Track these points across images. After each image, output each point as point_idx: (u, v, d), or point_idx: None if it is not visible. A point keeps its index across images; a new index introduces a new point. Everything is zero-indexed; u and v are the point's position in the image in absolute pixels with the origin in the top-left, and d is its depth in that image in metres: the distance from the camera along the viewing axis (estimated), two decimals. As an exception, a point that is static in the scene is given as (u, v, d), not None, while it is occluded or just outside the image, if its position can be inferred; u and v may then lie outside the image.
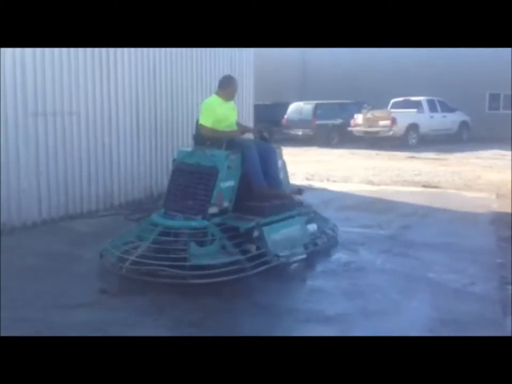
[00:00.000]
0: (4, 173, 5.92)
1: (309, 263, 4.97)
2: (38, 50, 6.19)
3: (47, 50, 6.29)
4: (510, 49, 16.48)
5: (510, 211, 7.07)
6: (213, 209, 4.68)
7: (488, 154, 14.76)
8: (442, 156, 14.44)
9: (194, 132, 5.58)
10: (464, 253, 5.26)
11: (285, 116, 19.82)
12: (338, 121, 18.98)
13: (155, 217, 4.85)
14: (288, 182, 5.63)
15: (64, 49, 6.51)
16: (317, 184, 9.93)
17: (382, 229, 6.25)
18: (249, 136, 6.06)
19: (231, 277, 4.30)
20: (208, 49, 9.13)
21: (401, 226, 6.41)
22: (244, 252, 4.59)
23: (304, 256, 4.96)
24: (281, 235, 4.83)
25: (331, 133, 18.98)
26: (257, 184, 4.98)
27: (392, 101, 18.97)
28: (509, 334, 3.42)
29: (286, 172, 5.54)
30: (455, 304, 4.03)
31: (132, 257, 4.46)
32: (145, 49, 7.81)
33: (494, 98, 21.16)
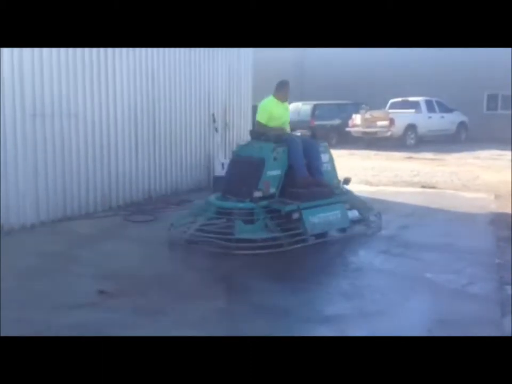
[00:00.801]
0: (2, 174, 5.93)
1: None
2: (36, 51, 6.19)
3: (45, 51, 6.29)
4: (508, 49, 16.51)
5: (508, 211, 7.08)
6: (257, 194, 5.41)
7: (486, 154, 14.78)
8: (440, 156, 14.46)
9: (251, 128, 6.68)
10: (462, 253, 5.27)
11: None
12: (337, 121, 18.99)
13: (211, 199, 5.75)
14: (335, 173, 6.21)
15: (63, 50, 6.51)
16: (315, 184, 9.90)
17: (381, 229, 6.25)
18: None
19: (269, 251, 5.09)
20: (205, 52, 9.14)
21: (400, 226, 6.42)
22: (285, 231, 5.28)
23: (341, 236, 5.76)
24: (319, 218, 5.50)
25: (329, 134, 18.94)
26: (299, 174, 5.68)
27: (390, 101, 18.99)
28: (507, 334, 3.43)
29: (333, 165, 6.20)
30: (454, 304, 4.03)
31: (191, 231, 5.46)
32: (143, 52, 7.81)
33: (492, 98, 21.19)
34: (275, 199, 5.53)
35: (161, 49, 8.12)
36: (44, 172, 6.41)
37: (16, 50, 5.96)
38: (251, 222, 5.38)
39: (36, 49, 6.17)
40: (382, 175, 10.88)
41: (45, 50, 6.29)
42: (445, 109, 18.97)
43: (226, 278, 4.70)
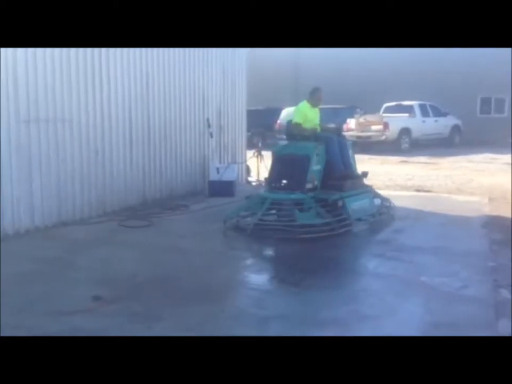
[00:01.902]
0: (-4, 180, 5.91)
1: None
2: (30, 56, 6.18)
3: (39, 56, 6.29)
4: (501, 52, 16.62)
5: (502, 214, 7.12)
6: (308, 185, 6.29)
7: (480, 158, 14.85)
8: (434, 160, 14.51)
9: (286, 130, 7.43)
10: (456, 256, 5.29)
11: (278, 121, 19.85)
12: (331, 125, 18.99)
13: (263, 193, 6.54)
14: (356, 167, 7.03)
15: (57, 56, 6.51)
16: (310, 189, 9.93)
17: (375, 233, 6.28)
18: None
19: (326, 234, 5.82)
20: (200, 55, 9.16)
21: (394, 230, 6.44)
22: (333, 217, 6.02)
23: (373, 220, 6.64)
24: (357, 205, 6.41)
25: (324, 138, 19.01)
26: (337, 168, 6.57)
27: (384, 105, 19.07)
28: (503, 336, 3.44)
29: (354, 160, 7.04)
30: (448, 307, 4.04)
31: (254, 220, 6.10)
32: (138, 57, 7.82)
33: (485, 102, 21.33)
34: (318, 191, 6.35)
35: (155, 53, 8.14)
36: (39, 177, 6.39)
37: (10, 55, 5.96)
38: (303, 210, 6.10)
39: (30, 54, 6.17)
40: (377, 179, 10.88)
41: (39, 55, 6.28)
42: (438, 112, 19.06)
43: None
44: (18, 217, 6.16)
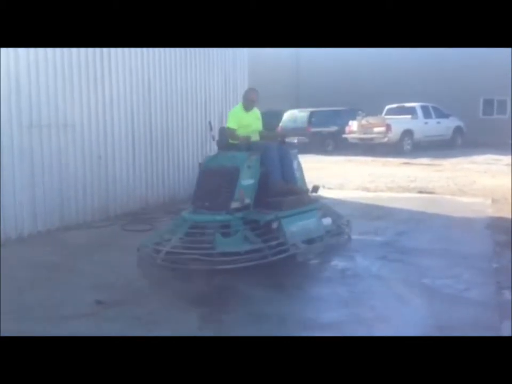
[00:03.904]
0: (-1, 185, 5.93)
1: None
2: (32, 62, 6.21)
3: (41, 62, 6.31)
4: (503, 54, 16.61)
5: (505, 216, 7.10)
6: (235, 204, 5.22)
7: (483, 159, 14.81)
8: (436, 161, 14.49)
9: (217, 138, 6.24)
10: (460, 258, 5.28)
11: (280, 124, 19.87)
12: (333, 128, 19.04)
13: (185, 214, 5.43)
14: (304, 181, 6.07)
15: (59, 61, 6.53)
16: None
17: (378, 235, 6.27)
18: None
19: (254, 263, 4.85)
20: (201, 59, 9.17)
21: (397, 232, 6.43)
22: (265, 242, 5.05)
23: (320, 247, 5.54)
24: (298, 227, 5.34)
25: (326, 140, 19.04)
26: (275, 182, 5.52)
27: (387, 107, 19.05)
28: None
29: (301, 172, 6.08)
30: (451, 310, 4.03)
31: (166, 248, 5.07)
32: (139, 61, 7.83)
33: (488, 103, 21.28)
34: (251, 210, 5.30)
35: (157, 57, 8.16)
36: (41, 182, 6.41)
37: (12, 61, 5.98)
38: (229, 234, 5.11)
39: (32, 60, 6.19)
40: (379, 181, 10.90)
41: (41, 60, 6.31)
42: (441, 114, 19.03)
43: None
44: (21, 221, 6.17)
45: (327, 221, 5.86)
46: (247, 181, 5.36)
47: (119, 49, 7.40)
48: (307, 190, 5.97)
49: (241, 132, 5.81)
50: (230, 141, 5.83)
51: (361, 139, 18.10)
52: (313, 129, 19.00)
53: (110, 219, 7.24)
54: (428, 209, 7.75)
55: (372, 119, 17.96)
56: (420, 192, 9.44)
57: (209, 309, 4.12)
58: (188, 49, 8.71)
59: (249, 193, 5.36)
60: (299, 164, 6.06)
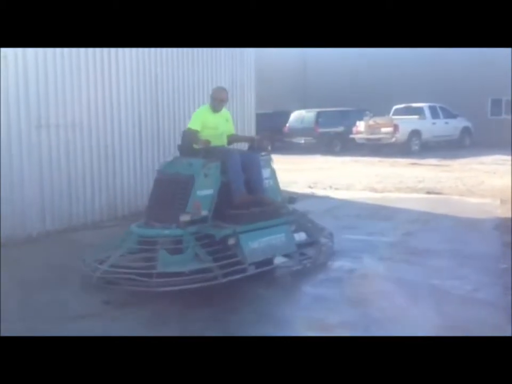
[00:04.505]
0: (7, 185, 5.96)
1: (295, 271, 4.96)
2: (41, 61, 6.25)
3: (50, 61, 6.35)
4: (511, 54, 16.52)
5: (513, 216, 7.06)
6: (185, 217, 4.61)
7: (491, 159, 14.74)
8: (444, 162, 14.43)
9: (180, 141, 5.69)
10: (468, 259, 5.25)
11: (287, 124, 19.87)
12: (341, 128, 19.02)
13: (133, 227, 4.86)
14: (278, 191, 5.47)
15: (67, 61, 6.57)
16: (319, 192, 9.93)
17: (385, 236, 6.25)
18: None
19: (200, 285, 4.30)
20: (208, 59, 9.19)
21: (405, 233, 6.41)
22: (218, 260, 4.47)
23: (288, 264, 5.02)
24: (261, 243, 4.73)
25: (333, 141, 19.02)
26: (236, 192, 4.93)
27: (394, 107, 19.00)
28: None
29: (276, 181, 5.45)
30: (460, 310, 4.02)
31: (103, 266, 4.54)
32: (146, 60, 7.86)
33: (496, 103, 21.17)
34: (208, 223, 4.72)
35: (164, 57, 8.18)
36: (49, 182, 6.44)
37: (21, 62, 6.01)
38: (179, 251, 4.55)
39: (41, 60, 6.23)
40: (387, 182, 10.87)
41: (49, 61, 6.35)
42: (448, 114, 18.96)
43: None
44: (29, 221, 6.21)
45: (301, 236, 5.23)
46: (203, 191, 4.77)
47: (127, 49, 7.43)
48: (279, 202, 5.31)
49: (206, 135, 5.17)
50: (194, 145, 5.18)
51: (368, 139, 18.06)
52: (321, 130, 18.99)
53: (117, 219, 7.27)
54: (435, 210, 7.72)
55: (379, 120, 17.92)
56: (428, 192, 9.41)
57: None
58: (195, 48, 8.73)
59: (206, 204, 4.77)
60: (273, 172, 5.43)
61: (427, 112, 18.46)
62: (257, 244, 4.71)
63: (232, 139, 5.63)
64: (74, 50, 6.63)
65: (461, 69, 20.24)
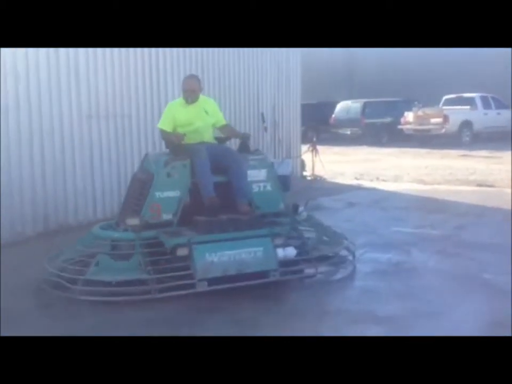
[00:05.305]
0: (61, 174, 6.15)
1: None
2: (91, 54, 6.39)
3: (100, 53, 6.49)
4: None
5: None
6: (132, 221, 4.26)
7: (546, 151, 14.17)
8: (496, 153, 13.97)
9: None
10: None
11: (333, 115, 19.68)
12: (388, 119, 18.71)
13: (94, 228, 4.59)
14: (279, 196, 4.77)
15: (116, 53, 6.69)
16: (366, 183, 9.81)
17: (435, 229, 6.11)
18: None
19: (128, 298, 3.92)
20: (254, 51, 9.18)
21: (455, 226, 6.25)
22: (167, 271, 4.07)
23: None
24: (224, 257, 4.11)
25: (380, 132, 18.71)
26: (204, 195, 4.40)
27: (444, 97, 18.52)
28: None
29: (275, 185, 4.74)
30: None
31: (49, 268, 4.31)
32: (193, 53, 7.91)
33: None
34: (169, 229, 4.31)
35: (211, 49, 8.21)
36: (100, 172, 6.62)
37: (72, 56, 6.17)
38: (127, 257, 4.18)
39: (91, 54, 6.38)
40: (436, 174, 10.62)
41: (99, 54, 6.49)
42: (501, 105, 18.34)
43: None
44: (82, 209, 6.40)
45: (289, 251, 4.43)
46: (165, 192, 4.36)
47: (174, 49, 7.49)
48: (257, 211, 4.59)
49: (181, 131, 4.67)
50: (169, 145, 4.75)
51: (417, 130, 17.69)
52: (367, 121, 18.73)
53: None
54: (487, 203, 7.49)
55: (428, 110, 17.55)
56: (479, 185, 9.14)
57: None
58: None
59: (169, 207, 4.36)
60: (271, 175, 4.73)
61: (478, 103, 17.92)
62: (218, 257, 4.10)
63: (225, 130, 5.03)
64: (123, 49, 6.74)
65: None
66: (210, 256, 4.09)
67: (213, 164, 4.48)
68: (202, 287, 4.03)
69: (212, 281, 4.07)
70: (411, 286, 4.38)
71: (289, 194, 5.13)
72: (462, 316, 3.79)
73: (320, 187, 9.33)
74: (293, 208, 4.82)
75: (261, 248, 4.23)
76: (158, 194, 4.38)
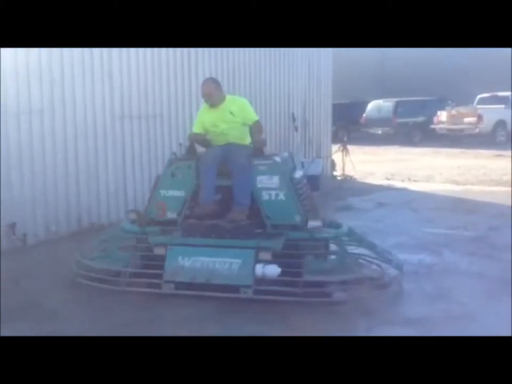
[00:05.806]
0: (94, 175, 6.27)
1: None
2: (124, 55, 6.49)
3: (133, 55, 6.60)
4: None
5: None
6: (130, 215, 4.62)
7: None
8: (533, 153, 13.64)
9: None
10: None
11: (364, 115, 19.52)
12: (420, 118, 18.46)
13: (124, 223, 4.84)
14: (296, 206, 4.35)
15: (149, 55, 6.79)
16: (397, 183, 9.72)
17: (468, 231, 6.02)
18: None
19: (107, 286, 4.12)
20: (285, 51, 9.19)
21: (488, 227, 6.14)
22: (145, 268, 4.26)
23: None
24: (196, 262, 4.08)
25: (412, 131, 18.47)
26: (200, 201, 4.40)
27: (478, 96, 18.19)
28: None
29: (291, 193, 4.36)
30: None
31: (83, 260, 4.52)
32: (224, 52, 7.96)
33: None
34: (169, 228, 4.44)
35: (241, 49, 8.25)
36: (131, 172, 6.72)
37: (106, 57, 6.28)
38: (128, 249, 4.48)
39: (124, 53, 6.48)
40: (469, 174, 10.44)
41: (132, 55, 6.59)
42: (537, 103, 17.91)
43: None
44: (115, 209, 6.50)
45: (270, 269, 3.96)
46: (170, 191, 4.45)
47: (206, 49, 7.55)
48: (247, 220, 4.33)
49: (210, 133, 4.68)
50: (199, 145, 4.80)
51: (450, 130, 17.42)
52: (399, 120, 18.51)
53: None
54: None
55: (462, 109, 17.29)
56: (514, 186, 8.94)
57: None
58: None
59: (174, 206, 4.43)
60: (286, 182, 4.37)
61: (514, 101, 17.54)
62: (191, 262, 4.08)
63: (253, 130, 4.75)
64: (156, 50, 6.83)
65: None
66: (182, 260, 4.11)
67: (224, 166, 4.47)
68: (169, 289, 4.05)
69: (180, 285, 4.06)
70: (442, 287, 4.33)
71: (319, 194, 5.11)
72: (492, 319, 3.73)
73: (350, 187, 9.28)
74: (312, 216, 4.39)
75: (239, 261, 4.04)
76: (162, 192, 4.51)
